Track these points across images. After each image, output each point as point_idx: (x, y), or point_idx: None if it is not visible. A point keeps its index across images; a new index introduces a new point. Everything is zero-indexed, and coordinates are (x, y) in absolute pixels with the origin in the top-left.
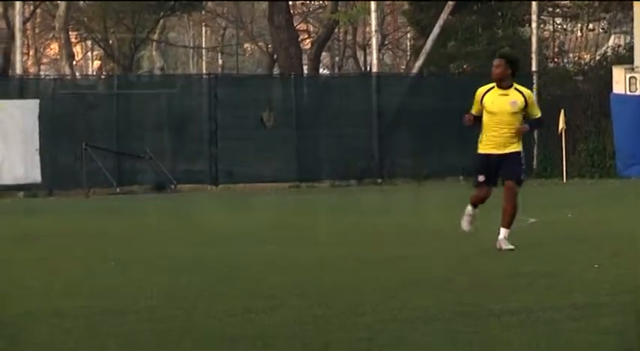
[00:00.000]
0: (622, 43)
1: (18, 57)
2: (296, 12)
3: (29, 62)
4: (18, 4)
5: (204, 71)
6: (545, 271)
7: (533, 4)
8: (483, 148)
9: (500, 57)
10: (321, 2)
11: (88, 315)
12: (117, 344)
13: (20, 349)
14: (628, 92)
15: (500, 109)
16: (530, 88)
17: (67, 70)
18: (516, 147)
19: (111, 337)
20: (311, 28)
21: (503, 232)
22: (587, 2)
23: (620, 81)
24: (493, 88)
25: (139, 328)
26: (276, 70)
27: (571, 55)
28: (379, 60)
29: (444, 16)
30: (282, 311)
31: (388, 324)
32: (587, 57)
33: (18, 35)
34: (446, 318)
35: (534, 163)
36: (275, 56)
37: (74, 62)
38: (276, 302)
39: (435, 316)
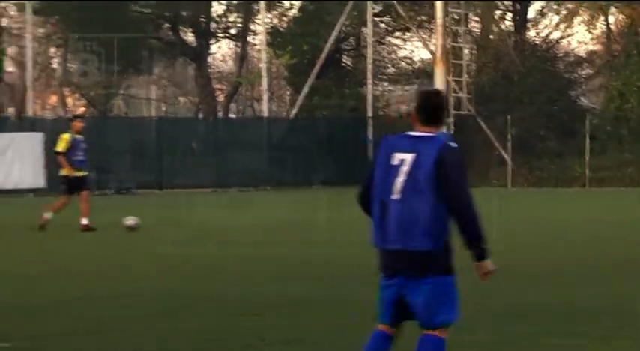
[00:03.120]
0: None
1: (30, 104)
2: (213, 76)
3: (37, 108)
4: (29, 72)
5: (153, 115)
6: None
7: (369, 73)
8: None
9: None
10: (229, 68)
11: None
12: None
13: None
14: None
15: None
16: (364, 129)
17: (62, 113)
18: None
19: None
20: (223, 87)
21: None
22: (404, 71)
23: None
24: None
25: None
26: (200, 115)
27: (394, 106)
28: (268, 108)
29: (310, 80)
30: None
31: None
32: (404, 108)
33: (30, 90)
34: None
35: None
36: (199, 105)
37: (67, 108)
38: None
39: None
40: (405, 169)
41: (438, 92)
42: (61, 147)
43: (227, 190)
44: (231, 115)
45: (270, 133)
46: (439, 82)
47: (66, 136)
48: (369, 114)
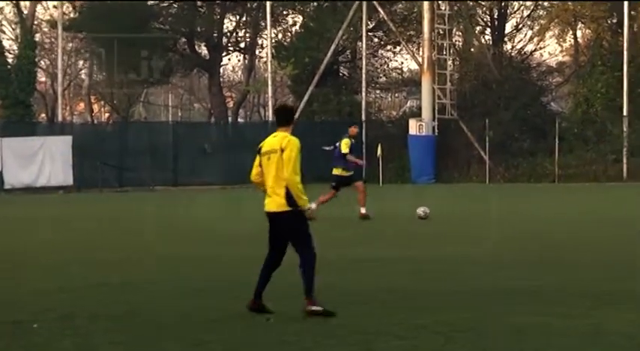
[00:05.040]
0: (414, 105)
1: (60, 111)
2: (224, 85)
3: (66, 114)
4: (60, 82)
5: (170, 119)
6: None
7: (363, 82)
8: None
9: None
10: (238, 78)
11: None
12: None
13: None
14: (417, 133)
15: None
16: (359, 132)
17: (89, 119)
18: None
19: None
20: (233, 95)
21: None
22: (394, 80)
23: (413, 127)
24: None
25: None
26: (212, 120)
27: (385, 111)
28: (273, 114)
29: (311, 88)
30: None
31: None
32: (394, 113)
33: (60, 98)
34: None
35: (364, 175)
36: (212, 111)
37: (93, 114)
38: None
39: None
40: None
41: None
42: (345, 149)
43: (235, 187)
44: (240, 120)
45: None
46: (425, 90)
47: (347, 141)
48: (363, 118)
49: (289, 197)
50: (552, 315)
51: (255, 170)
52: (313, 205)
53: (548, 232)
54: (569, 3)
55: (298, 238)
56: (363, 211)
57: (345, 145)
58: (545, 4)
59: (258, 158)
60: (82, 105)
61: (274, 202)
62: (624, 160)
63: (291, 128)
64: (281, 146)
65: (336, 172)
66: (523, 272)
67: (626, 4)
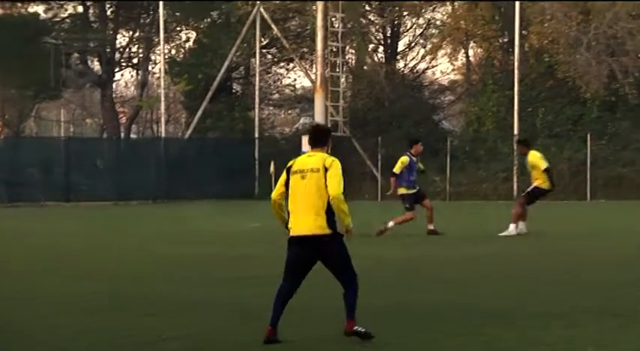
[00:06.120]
0: (307, 121)
1: None
2: (117, 100)
3: None
4: None
5: (62, 135)
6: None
7: (256, 98)
8: None
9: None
10: (131, 94)
11: None
12: None
13: None
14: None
15: None
16: (252, 149)
17: None
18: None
19: None
20: (126, 110)
21: None
22: (287, 97)
23: (306, 144)
24: None
25: None
26: (104, 135)
27: (278, 128)
28: (166, 130)
29: (204, 104)
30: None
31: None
32: (287, 129)
33: None
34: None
35: (256, 190)
36: (104, 126)
37: None
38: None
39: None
40: None
41: None
42: (396, 169)
43: (128, 202)
44: (133, 136)
45: (167, 151)
46: (318, 107)
47: (404, 159)
48: (256, 135)
49: (330, 219)
50: (444, 332)
51: (280, 189)
52: (390, 223)
53: (444, 248)
54: (462, 22)
55: (343, 261)
56: (431, 227)
57: (399, 164)
58: (437, 22)
59: (284, 177)
60: None
61: (312, 224)
62: (514, 179)
63: (326, 149)
64: (324, 165)
65: (401, 191)
66: (418, 289)
67: (517, 24)
